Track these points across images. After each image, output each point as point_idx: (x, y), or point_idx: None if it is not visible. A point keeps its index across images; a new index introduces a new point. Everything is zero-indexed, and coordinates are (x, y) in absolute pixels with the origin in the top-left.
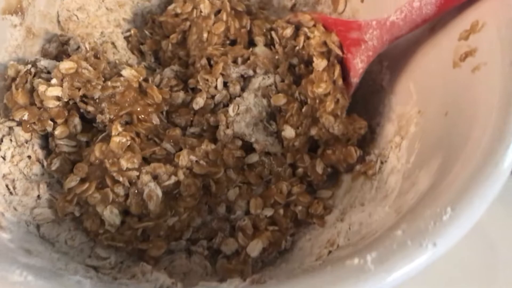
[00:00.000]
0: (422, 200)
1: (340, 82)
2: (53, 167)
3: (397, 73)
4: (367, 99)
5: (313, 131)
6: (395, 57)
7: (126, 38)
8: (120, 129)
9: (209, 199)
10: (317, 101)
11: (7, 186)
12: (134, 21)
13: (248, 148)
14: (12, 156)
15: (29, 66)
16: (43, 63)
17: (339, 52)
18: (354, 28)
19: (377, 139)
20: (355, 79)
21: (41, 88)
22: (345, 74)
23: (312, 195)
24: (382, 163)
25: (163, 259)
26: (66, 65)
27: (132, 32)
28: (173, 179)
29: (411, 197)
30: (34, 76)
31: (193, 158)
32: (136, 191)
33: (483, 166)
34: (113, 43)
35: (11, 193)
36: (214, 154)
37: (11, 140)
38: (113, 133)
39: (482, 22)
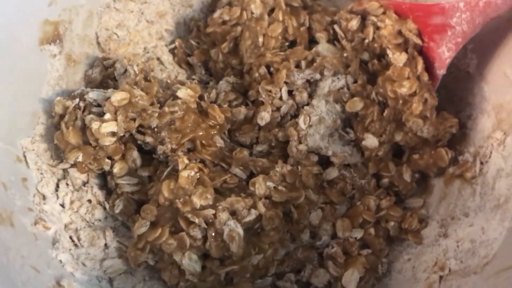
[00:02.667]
0: None
1: (425, 77)
2: (117, 210)
3: (487, 57)
4: (451, 89)
5: (398, 137)
6: (482, 38)
7: (171, 51)
8: (186, 161)
9: (291, 226)
10: (401, 102)
11: (71, 238)
12: (177, 30)
13: (323, 162)
14: (71, 202)
15: (77, 100)
16: (92, 95)
17: (418, 41)
18: (437, 13)
19: (470, 134)
20: (441, 71)
21: (95, 125)
22: (427, 66)
23: (401, 206)
24: (482, 163)
25: None
26: (118, 97)
27: (177, 43)
28: (254, 213)
29: None
30: (84, 111)
31: (271, 184)
32: (214, 233)
33: None
34: (158, 59)
35: (76, 245)
36: (292, 176)
37: (67, 184)
38: (180, 167)
39: None
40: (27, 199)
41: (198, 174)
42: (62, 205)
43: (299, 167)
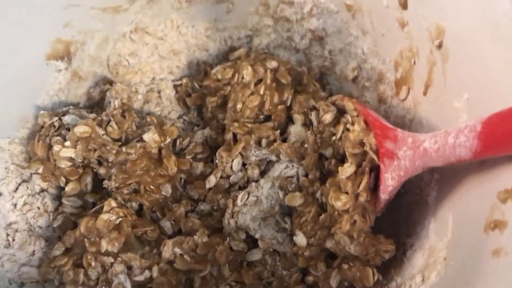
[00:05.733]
0: None
1: (363, 198)
2: (55, 224)
3: (443, 194)
4: (411, 210)
5: (329, 244)
6: (445, 173)
7: (175, 86)
8: (113, 204)
9: None
10: (336, 213)
11: (7, 236)
12: (188, 68)
13: (254, 241)
14: (24, 204)
15: (56, 118)
16: (67, 119)
17: (375, 158)
18: (390, 138)
19: (405, 263)
20: (384, 196)
21: (56, 147)
22: (376, 184)
23: None
24: None
25: None
26: (80, 129)
27: (183, 81)
28: (146, 274)
29: None
30: (57, 130)
31: (178, 251)
32: (105, 280)
33: None
34: (159, 92)
35: (8, 245)
36: (205, 247)
37: (27, 187)
38: (104, 209)
39: None
40: None
41: (119, 219)
42: (15, 205)
43: (228, 239)
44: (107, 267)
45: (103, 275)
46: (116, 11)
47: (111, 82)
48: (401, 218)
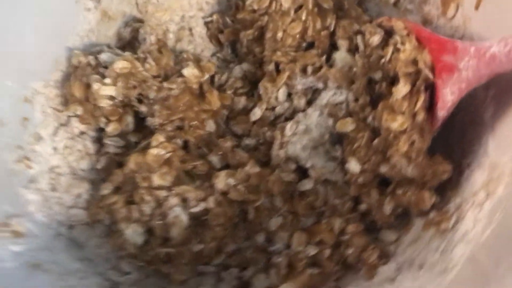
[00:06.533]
0: None
1: (421, 117)
2: (99, 166)
3: (503, 110)
4: (465, 130)
5: (384, 169)
6: (504, 87)
7: (206, 24)
8: (161, 139)
9: (247, 225)
10: (392, 135)
11: (52, 180)
12: (218, 4)
13: (304, 171)
14: (65, 148)
15: (91, 57)
16: (104, 56)
17: (430, 75)
18: (449, 51)
19: (463, 184)
20: (442, 112)
21: (95, 86)
22: (432, 103)
23: (372, 235)
24: (458, 219)
25: (190, 280)
26: (119, 65)
27: (214, 17)
28: (202, 205)
29: None
30: (94, 69)
31: (231, 181)
32: (161, 214)
33: None
34: (190, 29)
35: (53, 189)
36: (257, 178)
37: (66, 130)
38: (152, 144)
39: None
40: (20, 137)
41: (168, 154)
42: (55, 149)
43: (277, 171)
44: (161, 201)
45: (158, 209)
46: None
47: (141, 21)
48: (454, 139)
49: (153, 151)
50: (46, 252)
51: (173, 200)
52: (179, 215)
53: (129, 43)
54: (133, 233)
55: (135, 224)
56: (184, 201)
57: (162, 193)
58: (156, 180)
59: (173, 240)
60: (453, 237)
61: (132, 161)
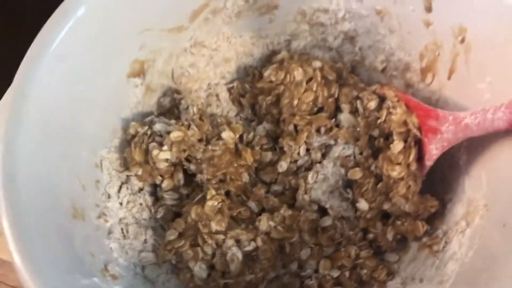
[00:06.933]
0: None
1: (413, 167)
2: (158, 215)
3: (474, 157)
4: (444, 173)
5: (386, 206)
6: (474, 140)
7: (229, 89)
8: (214, 192)
9: (283, 256)
10: (391, 181)
11: (122, 230)
12: (237, 73)
13: (323, 210)
14: (128, 202)
15: (146, 128)
16: (158, 126)
17: (418, 134)
18: (432, 117)
19: (447, 215)
20: (429, 163)
21: (155, 152)
22: (420, 155)
23: (378, 257)
24: (446, 243)
25: None
26: (175, 134)
27: (235, 84)
28: (253, 245)
29: None
30: (149, 137)
31: (272, 224)
32: (221, 253)
33: None
34: (217, 95)
35: (124, 236)
36: (291, 219)
37: (127, 188)
38: (208, 197)
39: None
40: (97, 197)
41: (220, 204)
42: (121, 204)
43: (302, 211)
44: (219, 243)
45: (218, 250)
46: (179, 30)
47: (176, 91)
48: (436, 179)
49: (209, 203)
50: None
51: (229, 242)
52: (235, 253)
53: (168, 110)
54: (199, 269)
55: (200, 262)
56: (238, 241)
57: (221, 236)
58: (214, 226)
59: (231, 273)
60: (444, 256)
61: (193, 212)
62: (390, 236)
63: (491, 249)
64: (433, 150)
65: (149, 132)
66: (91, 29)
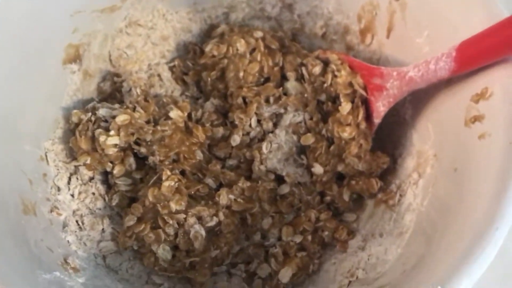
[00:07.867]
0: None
1: (363, 125)
2: (113, 203)
3: (418, 110)
4: (392, 129)
5: (340, 167)
6: (417, 93)
7: (170, 68)
8: (169, 173)
9: (246, 228)
10: (343, 142)
11: (77, 222)
12: (177, 50)
13: (280, 178)
14: (79, 193)
15: (90, 114)
16: (101, 112)
17: (364, 93)
18: (377, 75)
19: (398, 169)
20: (377, 120)
21: (102, 138)
22: (368, 114)
23: (337, 218)
24: (401, 196)
25: (208, 281)
26: (121, 118)
27: (176, 63)
28: (215, 220)
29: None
30: (94, 123)
31: (232, 197)
32: (183, 232)
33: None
34: (159, 75)
35: (80, 228)
36: (250, 190)
37: (77, 178)
38: (163, 178)
39: (491, 91)
40: (46, 191)
41: (177, 184)
42: (72, 195)
43: (260, 182)
44: (181, 222)
45: (180, 229)
46: (112, 10)
47: (116, 75)
48: (385, 136)
49: (166, 184)
50: (97, 279)
51: (191, 220)
52: (198, 230)
53: (109, 95)
54: (163, 251)
55: (163, 244)
56: (200, 218)
57: (181, 216)
58: (173, 206)
59: (196, 251)
60: (400, 209)
61: (151, 195)
62: (346, 196)
63: (444, 198)
64: (380, 107)
65: (93, 119)
66: (14, 17)
